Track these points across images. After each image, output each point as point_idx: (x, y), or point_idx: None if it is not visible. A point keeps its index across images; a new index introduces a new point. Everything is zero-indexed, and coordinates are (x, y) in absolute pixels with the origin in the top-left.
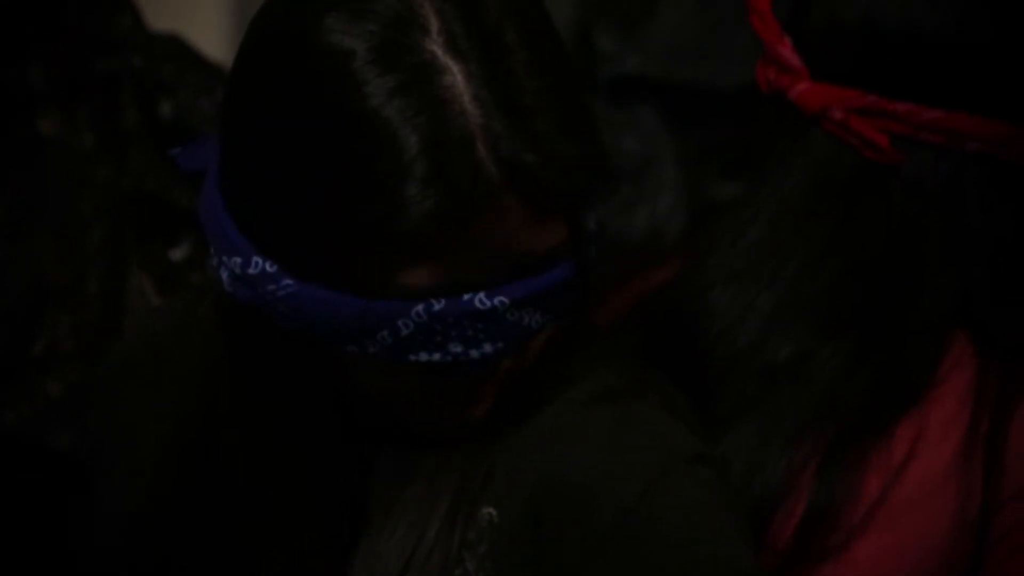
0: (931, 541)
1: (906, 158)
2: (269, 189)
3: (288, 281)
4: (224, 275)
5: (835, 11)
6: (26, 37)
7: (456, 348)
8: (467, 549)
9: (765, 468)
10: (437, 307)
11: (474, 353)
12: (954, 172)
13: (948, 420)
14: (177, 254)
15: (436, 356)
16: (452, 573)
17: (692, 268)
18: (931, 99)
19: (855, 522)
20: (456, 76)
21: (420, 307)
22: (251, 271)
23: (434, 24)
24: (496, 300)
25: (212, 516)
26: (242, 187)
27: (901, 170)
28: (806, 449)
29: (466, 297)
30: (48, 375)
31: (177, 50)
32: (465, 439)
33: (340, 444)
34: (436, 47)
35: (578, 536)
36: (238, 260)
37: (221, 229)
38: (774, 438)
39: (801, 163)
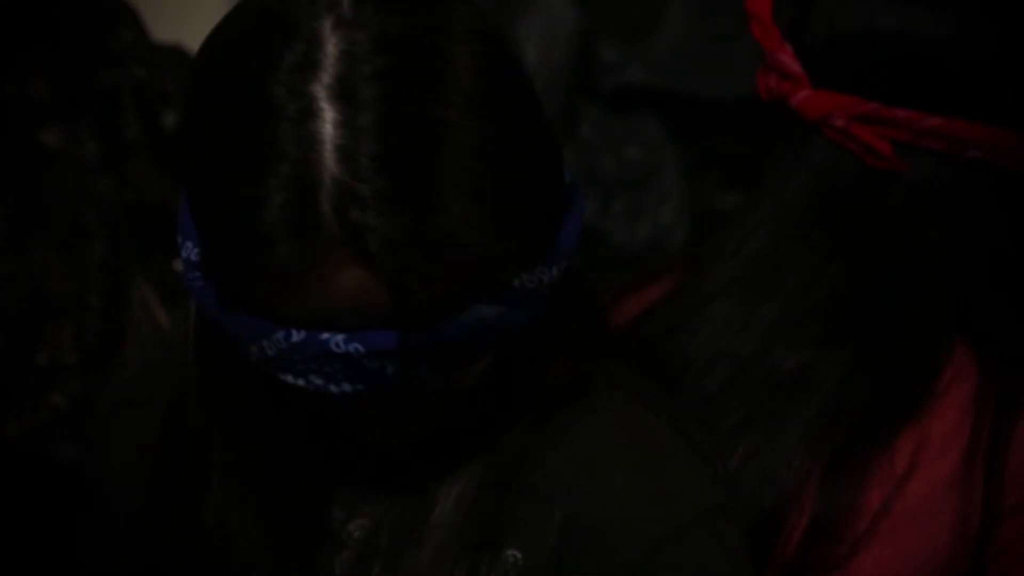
0: (933, 554)
1: (907, 165)
2: (190, 178)
3: (197, 273)
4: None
5: (835, 19)
6: (29, 50)
7: (317, 380)
8: None
9: (773, 480)
10: (296, 338)
11: (334, 388)
12: (954, 179)
13: (949, 432)
14: (180, 264)
15: (300, 382)
16: None
17: (693, 278)
18: (931, 106)
19: (858, 535)
20: (327, 123)
21: (280, 334)
22: (184, 254)
23: (322, 69)
24: (351, 346)
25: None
26: (185, 174)
27: (902, 177)
28: (811, 459)
29: (324, 336)
30: (51, 386)
31: (179, 61)
32: (418, 457)
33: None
34: (319, 90)
35: (599, 574)
36: (180, 242)
37: (184, 212)
38: (780, 449)
39: (802, 170)
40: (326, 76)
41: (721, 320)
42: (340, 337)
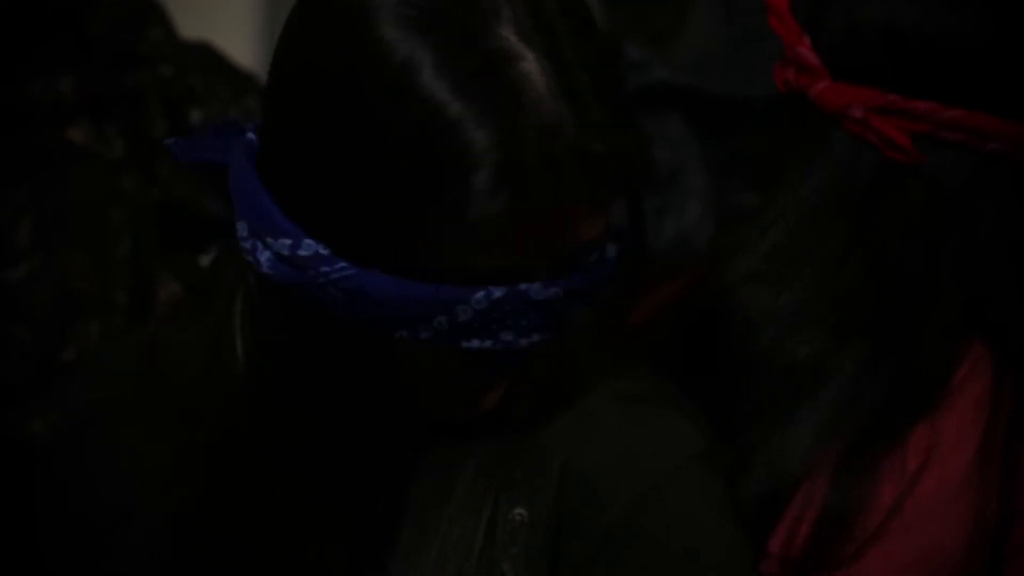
0: (945, 553)
1: (926, 158)
2: (328, 176)
3: (343, 264)
4: (264, 257)
5: (854, 12)
6: (55, 48)
7: (508, 336)
8: (503, 551)
9: (784, 471)
10: (497, 295)
11: (523, 342)
12: (974, 172)
13: (964, 429)
14: (206, 261)
15: (488, 343)
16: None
17: (713, 272)
18: (951, 98)
19: (869, 531)
20: (531, 64)
21: (481, 294)
22: (301, 253)
23: (505, 11)
24: (551, 291)
25: (243, 528)
26: (294, 172)
27: (921, 170)
28: (821, 452)
29: (524, 286)
30: None
31: (207, 59)
32: (484, 433)
33: (386, 441)
34: (509, 33)
35: (588, 530)
36: (287, 242)
37: (263, 211)
38: (793, 441)
39: (821, 163)
40: (515, 20)
41: (740, 312)
42: (538, 284)
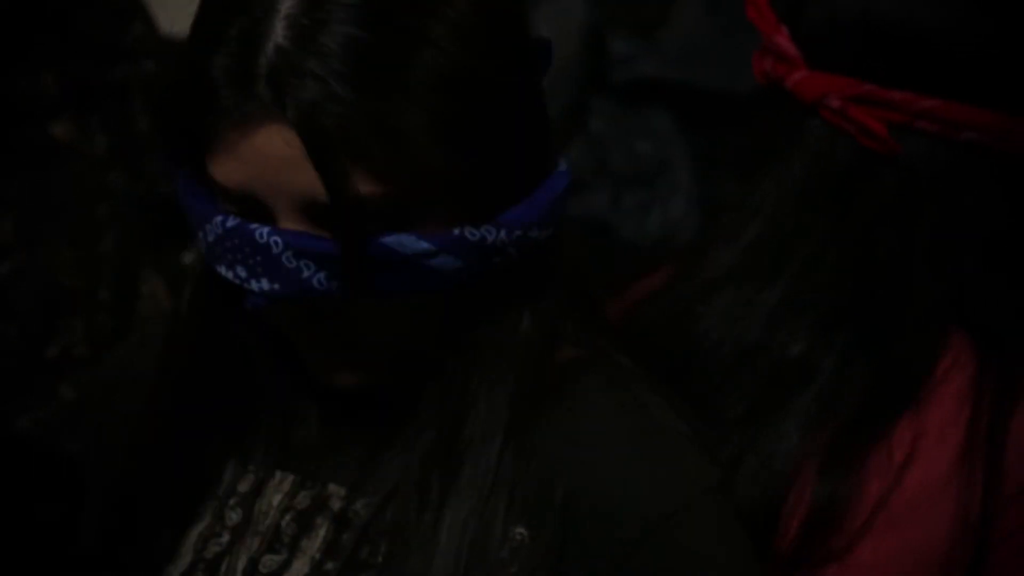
0: (932, 544)
1: (902, 147)
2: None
3: (183, 171)
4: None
5: (831, 2)
6: (39, 44)
7: (242, 272)
8: (500, 570)
9: (770, 469)
10: (230, 223)
11: (254, 284)
12: (949, 161)
13: (947, 421)
14: (189, 257)
15: (229, 274)
16: None
17: (693, 265)
18: (927, 88)
19: (857, 526)
20: None
21: (219, 218)
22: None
23: None
24: (272, 239)
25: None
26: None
27: (897, 159)
28: (809, 449)
29: (252, 225)
30: (62, 379)
31: None
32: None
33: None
34: None
35: (591, 559)
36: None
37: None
38: (779, 438)
39: (798, 154)
40: None
41: (722, 307)
42: (266, 228)
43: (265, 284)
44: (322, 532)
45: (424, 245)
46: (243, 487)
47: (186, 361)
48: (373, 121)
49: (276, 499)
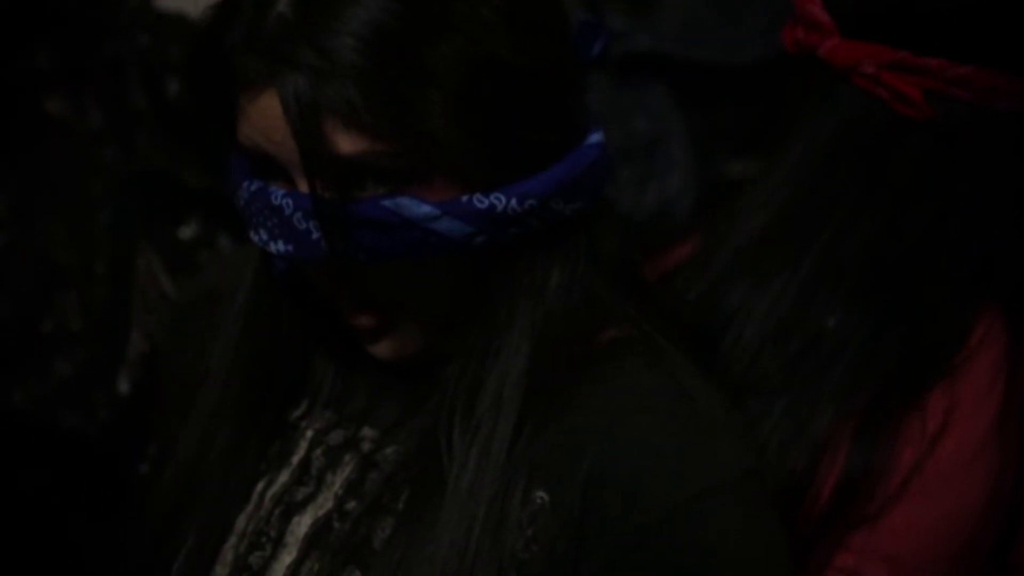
0: (964, 513)
1: (936, 113)
2: None
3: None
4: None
5: None
6: (32, 19)
7: (264, 235)
8: (518, 532)
9: (804, 436)
10: (253, 187)
11: (273, 247)
12: (984, 130)
13: (982, 391)
14: (185, 232)
15: (256, 237)
16: (502, 555)
17: (722, 234)
18: (962, 55)
19: (889, 492)
20: None
21: (247, 183)
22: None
23: None
24: (284, 200)
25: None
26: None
27: (931, 125)
28: (843, 417)
29: (270, 188)
30: (57, 354)
31: (183, 29)
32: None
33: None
34: None
35: (614, 531)
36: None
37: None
38: (814, 406)
39: (831, 119)
40: None
41: (754, 277)
42: (280, 191)
43: (282, 246)
44: (348, 469)
45: (426, 209)
46: (288, 420)
47: (261, 316)
48: (370, 83)
49: (310, 433)
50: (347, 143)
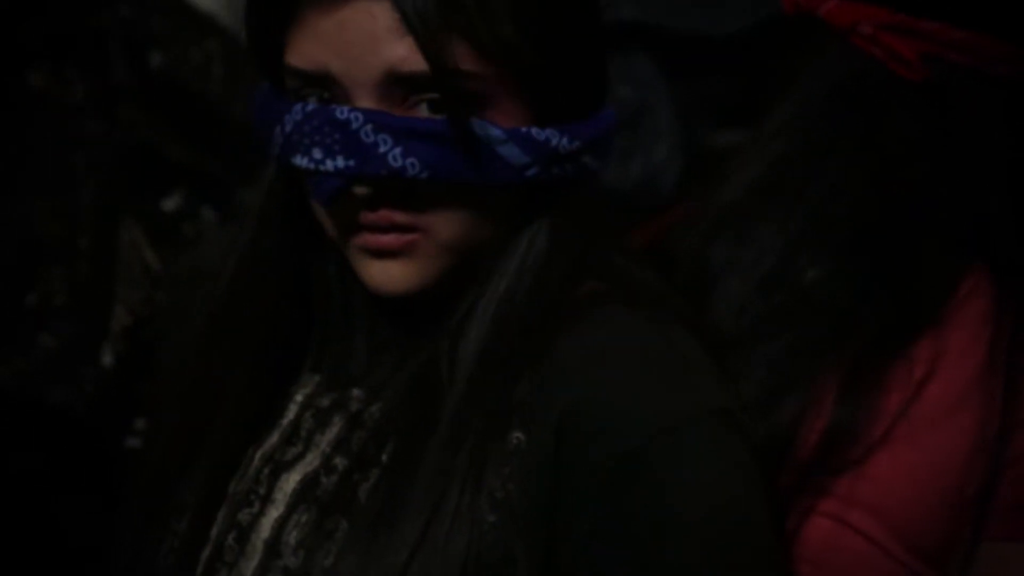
0: (949, 459)
1: (932, 75)
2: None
3: (264, 84)
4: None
5: None
6: None
7: (318, 154)
8: (495, 472)
9: (790, 389)
10: (310, 107)
11: (329, 164)
12: (980, 93)
13: (968, 341)
14: (169, 205)
15: (303, 160)
16: (479, 495)
17: (714, 188)
18: (960, 20)
19: (875, 437)
20: None
21: (299, 105)
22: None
23: None
24: (352, 114)
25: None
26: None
27: (927, 86)
28: (830, 366)
29: (332, 106)
30: (41, 328)
31: (167, 2)
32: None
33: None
34: None
35: (586, 467)
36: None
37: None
38: (800, 359)
39: (826, 76)
40: None
41: (743, 230)
42: (345, 107)
43: (340, 162)
44: (336, 429)
45: (496, 131)
46: (279, 389)
47: (255, 275)
48: (469, 4)
49: (299, 397)
50: (461, 60)
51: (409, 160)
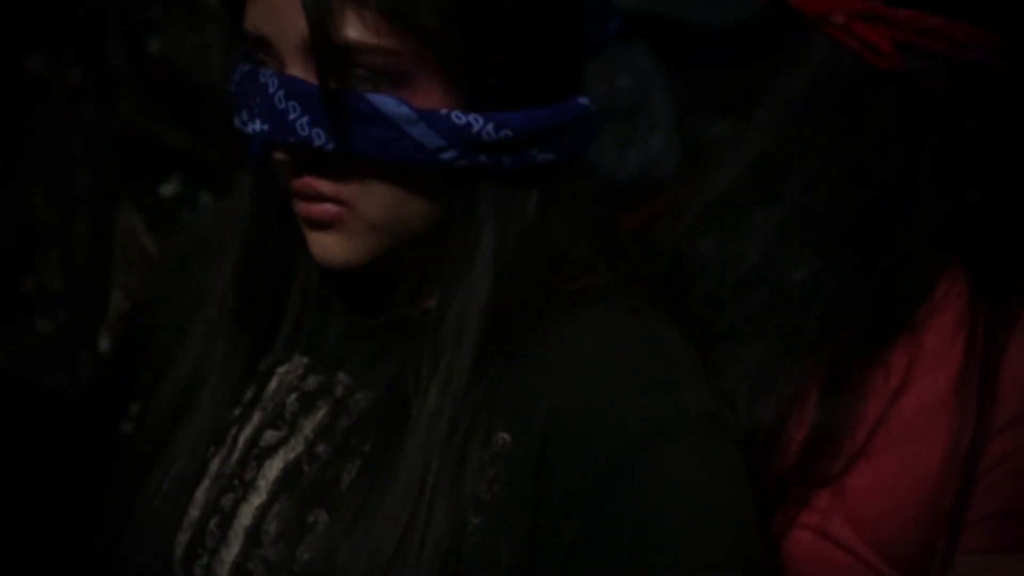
0: (925, 469)
1: (906, 64)
2: None
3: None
4: None
5: None
6: None
7: (244, 116)
8: (480, 473)
9: (773, 388)
10: (244, 69)
11: (250, 127)
12: (955, 81)
13: (942, 348)
14: (166, 190)
15: (237, 120)
16: (461, 495)
17: (694, 190)
18: (932, 6)
19: (854, 449)
20: None
21: (240, 67)
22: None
23: None
24: (270, 78)
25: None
26: None
27: (901, 76)
28: (812, 369)
29: (259, 69)
30: (38, 313)
31: None
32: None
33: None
34: None
35: (572, 470)
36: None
37: None
38: (782, 358)
39: (802, 70)
40: None
41: (725, 227)
42: (268, 71)
43: (258, 125)
44: (320, 415)
45: (405, 110)
46: (261, 366)
47: (247, 251)
48: None
49: (287, 379)
50: (352, 31)
51: (315, 130)
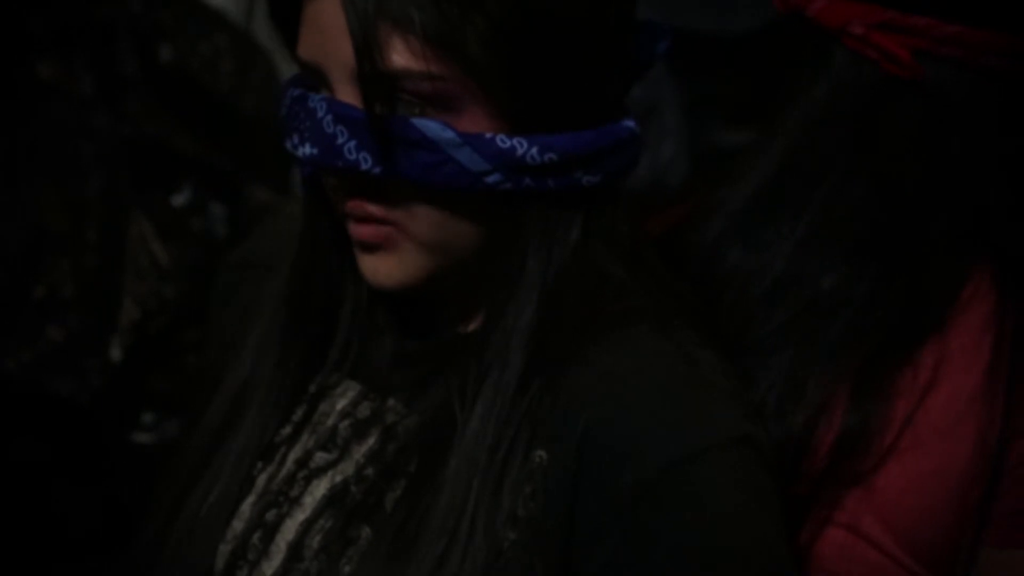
0: (953, 468)
1: (925, 72)
2: None
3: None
4: None
5: None
6: None
7: (295, 139)
8: (517, 490)
9: (802, 396)
10: (295, 93)
11: (301, 150)
12: (974, 87)
13: (970, 347)
14: (178, 199)
15: (288, 144)
16: (500, 512)
17: (718, 195)
18: (950, 14)
19: (884, 448)
20: None
21: (290, 91)
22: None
23: None
24: (319, 103)
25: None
26: None
27: (921, 84)
28: (841, 376)
29: (309, 94)
30: (49, 320)
31: None
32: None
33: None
34: None
35: (607, 491)
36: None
37: None
38: (811, 366)
39: (822, 81)
40: None
41: (751, 238)
42: (317, 96)
43: (308, 149)
44: (371, 441)
45: (450, 134)
46: (312, 387)
47: (302, 269)
48: (427, 3)
49: (339, 404)
50: (398, 57)
51: (362, 154)
